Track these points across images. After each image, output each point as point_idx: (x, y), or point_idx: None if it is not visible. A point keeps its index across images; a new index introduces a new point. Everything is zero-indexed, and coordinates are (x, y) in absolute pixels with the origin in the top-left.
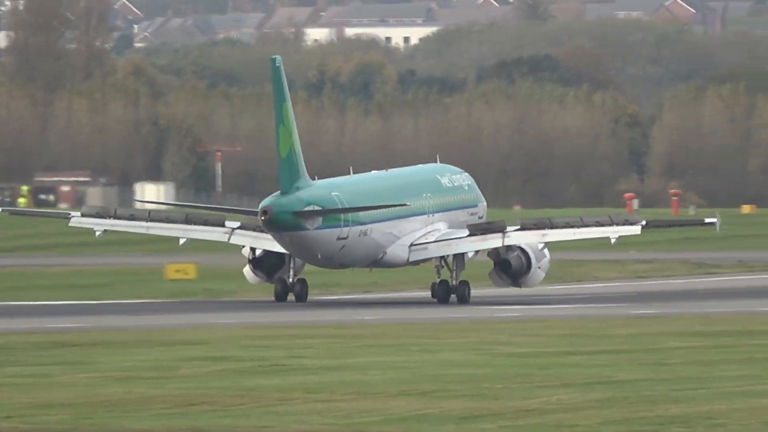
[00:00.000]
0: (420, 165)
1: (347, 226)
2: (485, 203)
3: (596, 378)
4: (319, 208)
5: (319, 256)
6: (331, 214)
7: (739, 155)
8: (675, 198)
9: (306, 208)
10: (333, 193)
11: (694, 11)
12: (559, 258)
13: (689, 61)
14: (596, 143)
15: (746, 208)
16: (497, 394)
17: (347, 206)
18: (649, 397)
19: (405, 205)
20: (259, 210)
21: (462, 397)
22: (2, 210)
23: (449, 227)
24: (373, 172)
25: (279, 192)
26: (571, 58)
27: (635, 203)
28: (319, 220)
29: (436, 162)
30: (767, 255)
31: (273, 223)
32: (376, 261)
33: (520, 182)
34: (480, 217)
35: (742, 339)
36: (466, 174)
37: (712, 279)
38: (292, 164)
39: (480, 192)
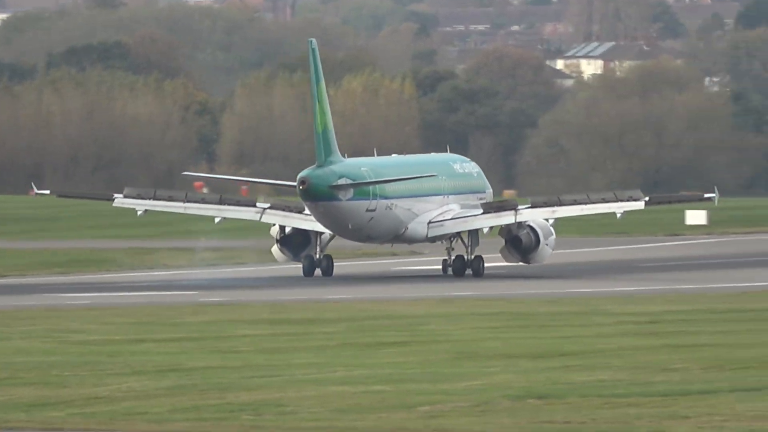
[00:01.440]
0: (434, 153)
1: (375, 199)
2: (491, 190)
3: (167, 365)
4: (351, 181)
5: (350, 227)
6: (361, 186)
7: (310, 142)
8: (244, 187)
9: (339, 181)
10: (362, 169)
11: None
12: (127, 246)
13: (260, 48)
14: (167, 131)
15: None
16: (66, 381)
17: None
18: (219, 384)
19: (434, 175)
20: (297, 180)
21: (31, 385)
22: (50, 193)
23: (461, 209)
24: (393, 155)
25: (315, 165)
26: (141, 45)
27: (204, 191)
28: (351, 192)
29: (446, 152)
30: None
31: (309, 193)
32: (399, 236)
33: (90, 170)
34: (484, 203)
35: (312, 327)
36: (474, 163)
37: (276, 267)
38: (327, 140)
39: (486, 180)
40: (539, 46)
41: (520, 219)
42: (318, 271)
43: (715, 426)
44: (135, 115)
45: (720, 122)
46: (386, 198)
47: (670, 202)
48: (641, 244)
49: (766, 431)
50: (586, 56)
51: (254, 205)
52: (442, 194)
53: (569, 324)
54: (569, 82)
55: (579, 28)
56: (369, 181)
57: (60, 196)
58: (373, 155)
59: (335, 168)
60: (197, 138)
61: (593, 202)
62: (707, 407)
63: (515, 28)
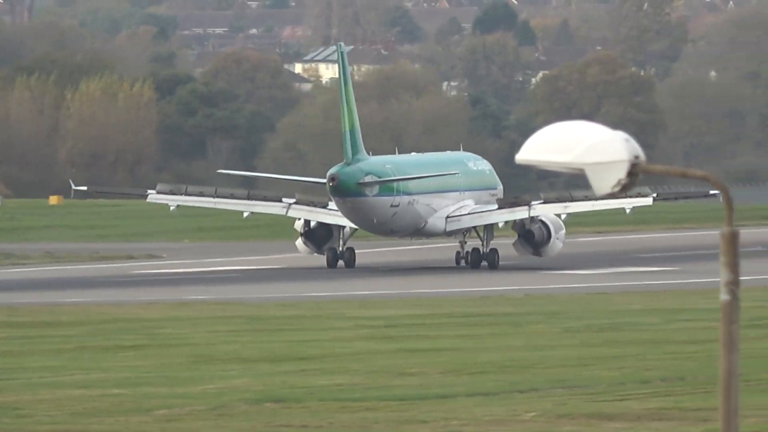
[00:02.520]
0: (449, 152)
1: (398, 195)
2: (502, 187)
3: None
4: (377, 178)
5: (375, 221)
6: (386, 183)
7: (48, 145)
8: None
9: (365, 178)
10: (387, 166)
11: (2, 1)
12: None
13: None
14: None
15: (54, 199)
16: None
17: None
18: None
19: (455, 173)
20: (327, 177)
21: None
22: (86, 188)
23: (476, 204)
24: (413, 153)
25: (344, 162)
26: None
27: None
28: (376, 188)
29: (460, 150)
30: (73, 245)
31: (339, 189)
32: (419, 230)
33: None
34: (499, 199)
35: (48, 330)
36: (486, 161)
37: (19, 270)
38: (354, 138)
39: (497, 177)
40: (277, 50)
41: (533, 214)
42: (341, 263)
43: (452, 430)
44: None
45: (458, 127)
46: (409, 194)
47: (676, 198)
48: (380, 248)
49: None
50: (324, 60)
51: (281, 201)
52: (459, 190)
53: (306, 328)
54: (308, 86)
55: (318, 32)
56: (394, 178)
57: (97, 192)
58: (395, 153)
59: (362, 165)
60: None
61: (603, 198)
62: (445, 411)
63: (254, 31)
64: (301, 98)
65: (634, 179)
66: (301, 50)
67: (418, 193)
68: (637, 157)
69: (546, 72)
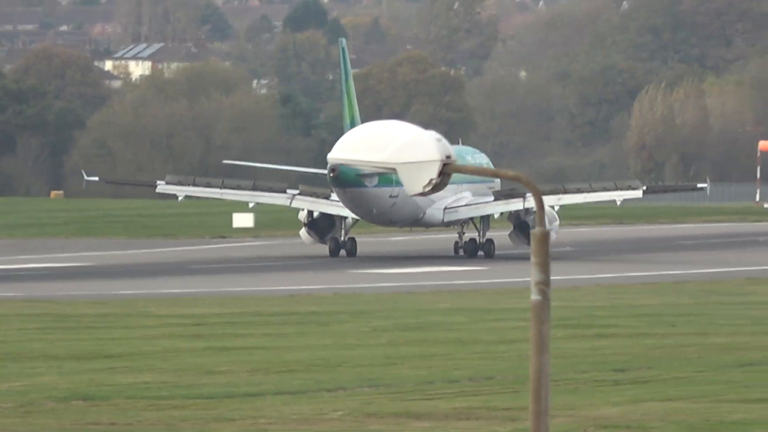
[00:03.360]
0: None
1: (398, 186)
2: (499, 180)
3: None
4: None
5: (374, 211)
6: (385, 174)
7: None
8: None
9: (366, 170)
10: None
11: None
12: None
13: None
14: None
15: None
16: None
17: None
18: None
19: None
20: (327, 168)
21: None
22: (98, 179)
23: (473, 196)
24: None
25: None
26: None
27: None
28: (376, 179)
29: (458, 144)
30: None
31: (339, 180)
32: (417, 220)
33: None
34: (495, 191)
35: None
36: (484, 155)
37: None
38: None
39: None
40: (87, 47)
41: (528, 206)
42: (343, 252)
43: (259, 428)
44: None
45: (268, 125)
46: None
47: (665, 191)
48: (189, 246)
49: None
50: (134, 57)
51: (285, 192)
52: (456, 183)
53: (115, 326)
54: (118, 83)
55: (128, 30)
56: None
57: (108, 182)
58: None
59: None
60: None
61: (595, 191)
62: (252, 410)
63: (64, 28)
64: (111, 95)
65: (445, 179)
66: (111, 47)
67: None
68: (448, 157)
69: (356, 70)
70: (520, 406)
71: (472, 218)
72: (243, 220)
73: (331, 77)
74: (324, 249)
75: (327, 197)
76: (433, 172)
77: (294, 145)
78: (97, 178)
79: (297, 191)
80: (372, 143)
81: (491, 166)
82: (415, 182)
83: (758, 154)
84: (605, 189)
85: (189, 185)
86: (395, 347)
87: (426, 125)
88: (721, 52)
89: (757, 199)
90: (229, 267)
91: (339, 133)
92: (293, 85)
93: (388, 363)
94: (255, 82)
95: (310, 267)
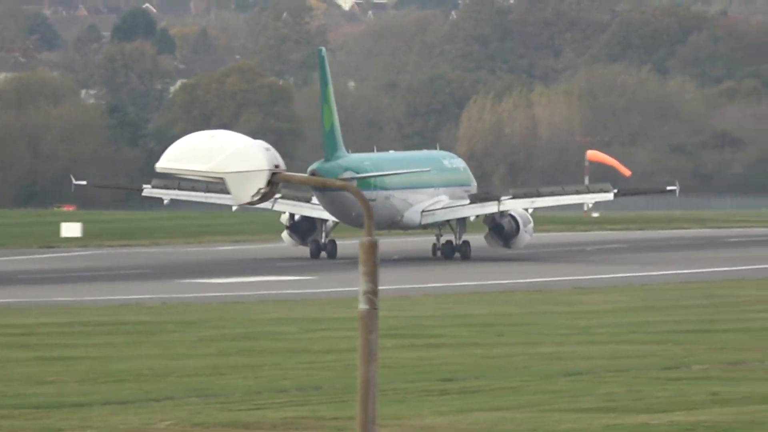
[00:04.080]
0: (425, 150)
1: (376, 190)
2: (475, 183)
3: None
4: (355, 174)
5: (353, 215)
6: (364, 178)
7: None
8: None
9: (344, 174)
10: (365, 163)
11: None
12: None
13: None
14: None
15: None
16: None
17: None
18: None
19: (427, 170)
20: (308, 172)
21: None
22: (85, 183)
23: (450, 200)
24: (390, 151)
25: (323, 159)
26: None
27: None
28: (354, 183)
29: (436, 149)
30: None
31: None
32: (395, 223)
33: None
34: (471, 194)
35: None
36: (461, 159)
37: None
38: (333, 137)
39: (471, 174)
40: None
41: (502, 208)
42: (323, 254)
43: None
44: None
45: (95, 135)
46: (385, 189)
47: (635, 194)
48: (16, 255)
49: None
50: None
51: None
52: (434, 186)
53: None
54: None
55: None
56: (370, 174)
57: (95, 186)
58: (373, 151)
59: (341, 162)
60: None
61: (567, 194)
62: (81, 420)
63: None
64: None
65: (273, 188)
66: None
67: (394, 189)
68: (277, 166)
69: (185, 80)
70: (347, 415)
71: (448, 221)
72: (71, 229)
73: (159, 87)
74: (305, 251)
75: (308, 201)
76: (261, 182)
77: (122, 155)
78: (85, 182)
79: (279, 195)
80: (200, 153)
81: (468, 169)
82: (243, 192)
83: (586, 163)
84: (577, 192)
85: (174, 189)
86: (224, 357)
87: (255, 135)
88: (549, 62)
89: (586, 208)
90: (58, 277)
91: (167, 142)
92: (121, 95)
93: (217, 373)
94: (83, 92)
95: (138, 277)
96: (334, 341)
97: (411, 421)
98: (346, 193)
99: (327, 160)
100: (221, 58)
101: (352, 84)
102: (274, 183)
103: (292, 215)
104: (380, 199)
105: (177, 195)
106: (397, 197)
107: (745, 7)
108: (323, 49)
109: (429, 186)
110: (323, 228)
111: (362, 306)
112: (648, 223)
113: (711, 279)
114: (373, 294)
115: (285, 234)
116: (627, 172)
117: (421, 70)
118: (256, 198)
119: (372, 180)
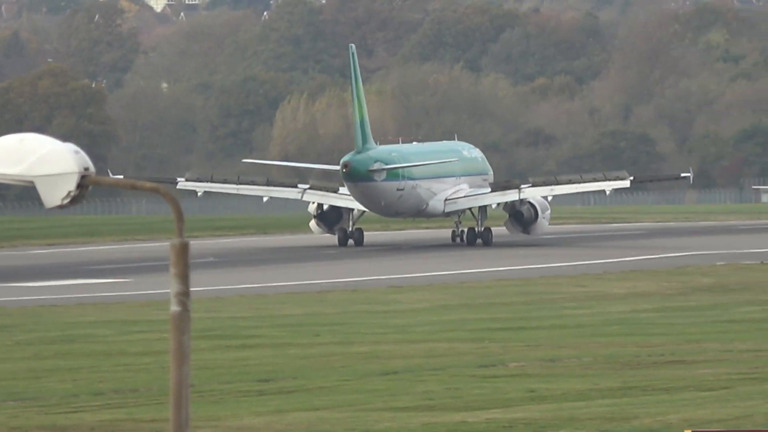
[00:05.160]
0: (445, 141)
1: (404, 180)
2: (492, 172)
3: None
4: (384, 165)
5: (383, 203)
6: (393, 169)
7: None
8: None
9: (374, 165)
10: (393, 154)
11: None
12: None
13: None
14: None
15: None
16: None
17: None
18: None
19: (455, 160)
20: (340, 164)
21: None
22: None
23: (470, 188)
24: (414, 143)
25: (354, 151)
26: None
27: None
28: (384, 174)
29: (454, 140)
30: None
31: (351, 175)
32: (421, 211)
33: None
34: (492, 183)
35: None
36: (479, 149)
37: None
38: (364, 129)
39: (488, 163)
40: None
41: (523, 196)
42: (351, 242)
43: None
44: None
45: None
46: (412, 179)
47: (651, 181)
48: None
49: None
50: None
51: (296, 186)
52: (455, 176)
53: None
54: None
55: None
56: (400, 165)
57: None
58: (398, 143)
59: (371, 153)
60: None
61: (585, 182)
62: None
63: None
64: None
65: (83, 191)
66: None
67: (420, 179)
68: (86, 169)
69: None
70: (163, 417)
71: (470, 208)
72: None
73: None
74: (333, 239)
75: (335, 191)
76: (71, 185)
77: None
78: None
79: (308, 186)
80: (8, 157)
81: (485, 159)
82: (52, 195)
83: None
84: (595, 180)
85: (207, 181)
86: (40, 360)
87: (67, 138)
88: (362, 62)
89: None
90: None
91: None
92: None
93: (33, 376)
94: None
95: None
96: (150, 343)
97: (228, 422)
98: (378, 184)
99: (358, 151)
100: (33, 61)
101: (165, 86)
102: (84, 186)
103: (320, 205)
104: (408, 188)
105: (210, 188)
106: (423, 187)
107: (557, 4)
108: (352, 46)
109: (451, 175)
110: (350, 217)
111: (174, 308)
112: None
113: (527, 276)
114: (184, 296)
115: (313, 223)
116: None
117: (234, 71)
118: (66, 201)
119: (400, 170)
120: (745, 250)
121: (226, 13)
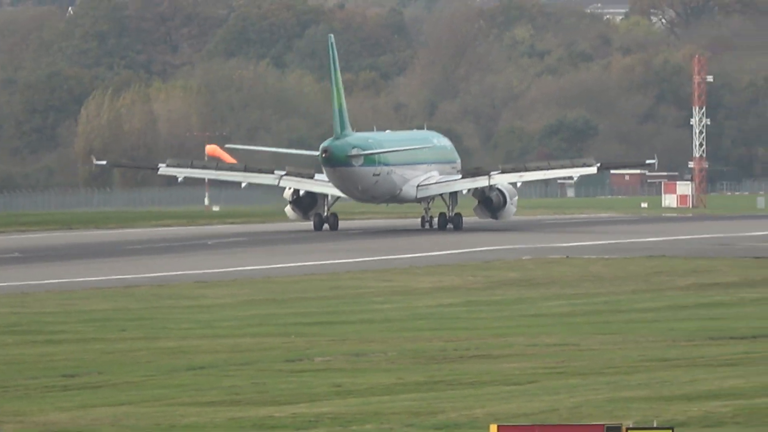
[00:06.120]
0: (416, 130)
1: (379, 165)
2: (460, 160)
3: None
4: (362, 151)
5: (359, 188)
6: (370, 155)
7: None
8: None
9: (352, 151)
10: (369, 140)
11: None
12: None
13: None
14: None
15: None
16: None
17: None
18: None
19: (428, 147)
20: (320, 149)
21: None
22: (105, 163)
23: (440, 175)
24: (387, 131)
25: (333, 137)
26: None
27: None
28: (362, 159)
29: (424, 129)
30: None
31: (330, 160)
32: (395, 196)
33: None
34: (458, 171)
35: None
36: (447, 138)
37: None
38: (342, 117)
39: (456, 152)
40: None
41: (492, 183)
42: (326, 227)
43: None
44: None
45: None
46: (387, 165)
47: (617, 168)
48: None
49: None
50: None
51: (273, 173)
52: (427, 163)
53: None
54: None
55: None
56: (376, 151)
57: (114, 166)
58: (373, 131)
59: (349, 140)
60: None
61: (553, 168)
62: None
63: None
64: None
65: None
66: None
67: (395, 165)
68: None
69: None
70: None
71: (441, 194)
72: None
73: None
74: (309, 224)
75: (311, 177)
76: None
77: None
78: (105, 162)
79: (284, 172)
80: None
81: (453, 147)
82: None
83: (206, 158)
84: (562, 167)
85: (187, 167)
86: None
87: None
88: (167, 58)
89: (206, 202)
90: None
91: None
92: None
93: None
94: None
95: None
96: None
97: (33, 418)
98: (356, 169)
99: (337, 138)
100: None
101: None
102: None
103: (296, 191)
104: (383, 174)
105: (190, 173)
106: (397, 173)
107: (362, 1)
108: (331, 36)
109: (423, 162)
110: (325, 202)
111: None
112: (267, 216)
113: (335, 271)
114: None
115: (288, 208)
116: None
117: (39, 66)
118: None
119: (376, 156)
120: (550, 245)
121: (31, 9)
